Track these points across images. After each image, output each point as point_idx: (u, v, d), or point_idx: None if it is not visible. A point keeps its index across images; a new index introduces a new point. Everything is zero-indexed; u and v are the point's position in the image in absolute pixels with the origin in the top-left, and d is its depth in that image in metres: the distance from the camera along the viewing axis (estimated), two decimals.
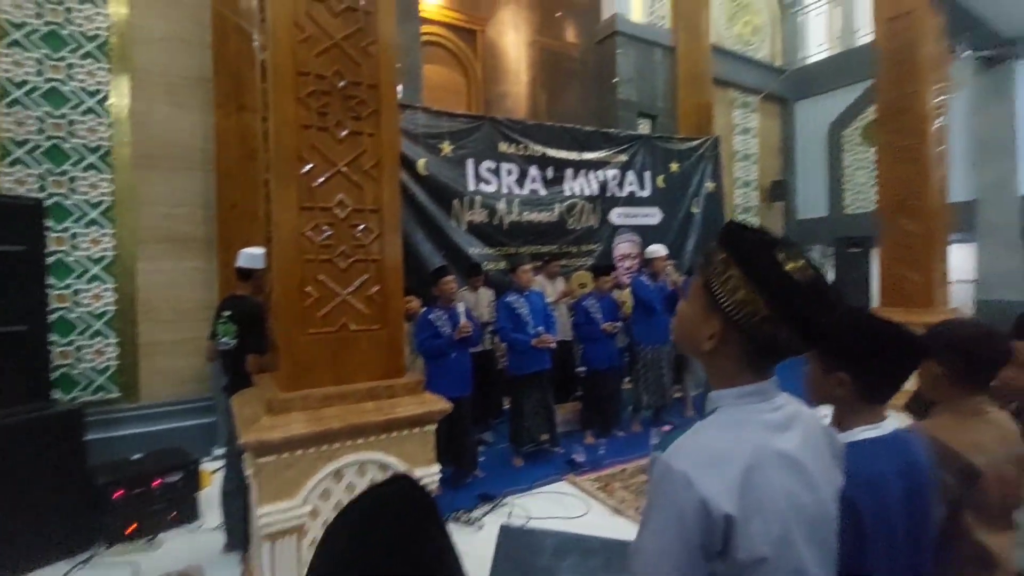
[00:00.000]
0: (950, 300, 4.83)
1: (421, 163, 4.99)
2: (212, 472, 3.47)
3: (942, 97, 4.75)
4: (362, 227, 2.13)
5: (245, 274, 2.80)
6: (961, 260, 6.53)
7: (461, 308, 3.78)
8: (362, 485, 1.99)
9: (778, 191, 8.77)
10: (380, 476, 2.03)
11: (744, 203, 8.64)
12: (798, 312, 0.85)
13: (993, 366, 1.34)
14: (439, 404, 2.11)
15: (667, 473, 0.82)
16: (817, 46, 8.81)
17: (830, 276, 7.94)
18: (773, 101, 9.01)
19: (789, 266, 0.87)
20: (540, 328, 4.08)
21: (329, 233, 2.06)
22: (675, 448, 0.86)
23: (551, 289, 5.34)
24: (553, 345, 4.08)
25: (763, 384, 0.91)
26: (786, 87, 8.93)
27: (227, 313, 2.70)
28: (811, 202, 9.08)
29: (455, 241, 5.20)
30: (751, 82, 8.48)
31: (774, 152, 9.13)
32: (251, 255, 2.81)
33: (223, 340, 2.67)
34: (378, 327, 2.13)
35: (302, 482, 1.87)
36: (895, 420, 1.16)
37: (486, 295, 5.04)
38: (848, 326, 1.12)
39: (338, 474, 1.95)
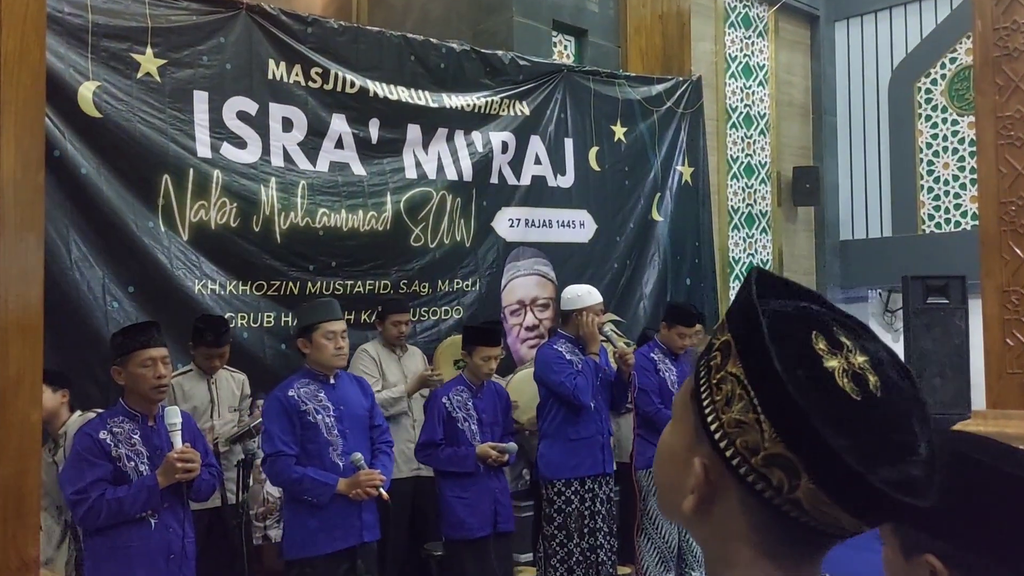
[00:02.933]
0: None
1: (87, 92, 4.86)
2: None
3: None
4: None
5: None
6: None
7: (175, 419, 3.73)
8: None
9: (806, 187, 9.82)
10: None
11: (746, 205, 9.52)
12: (831, 457, 0.87)
13: None
14: None
15: None
16: None
17: (898, 352, 8.95)
18: (797, 18, 10.05)
19: (831, 363, 0.92)
20: (358, 455, 4.14)
21: None
22: None
23: (395, 370, 5.46)
24: (381, 492, 4.14)
25: None
26: None
27: None
28: (862, 211, 10.24)
29: (163, 265, 5.09)
30: None
31: (799, 114, 10.14)
32: None
33: None
34: None
35: None
36: None
37: (231, 384, 4.97)
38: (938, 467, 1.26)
39: None
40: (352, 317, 5.65)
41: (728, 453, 0.92)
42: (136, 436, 3.69)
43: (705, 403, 0.95)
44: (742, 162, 9.41)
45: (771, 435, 0.89)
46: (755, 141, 9.56)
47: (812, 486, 0.88)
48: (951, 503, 1.37)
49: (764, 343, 0.90)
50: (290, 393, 4.17)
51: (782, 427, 0.89)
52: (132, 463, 3.64)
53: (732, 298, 1.11)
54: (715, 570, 1.01)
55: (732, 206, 9.28)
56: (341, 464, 4.14)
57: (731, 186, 9.27)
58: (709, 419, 0.94)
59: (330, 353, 4.21)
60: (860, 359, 0.92)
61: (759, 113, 9.61)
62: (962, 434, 1.48)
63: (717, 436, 0.93)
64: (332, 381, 4.28)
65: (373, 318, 5.69)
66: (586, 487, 5.16)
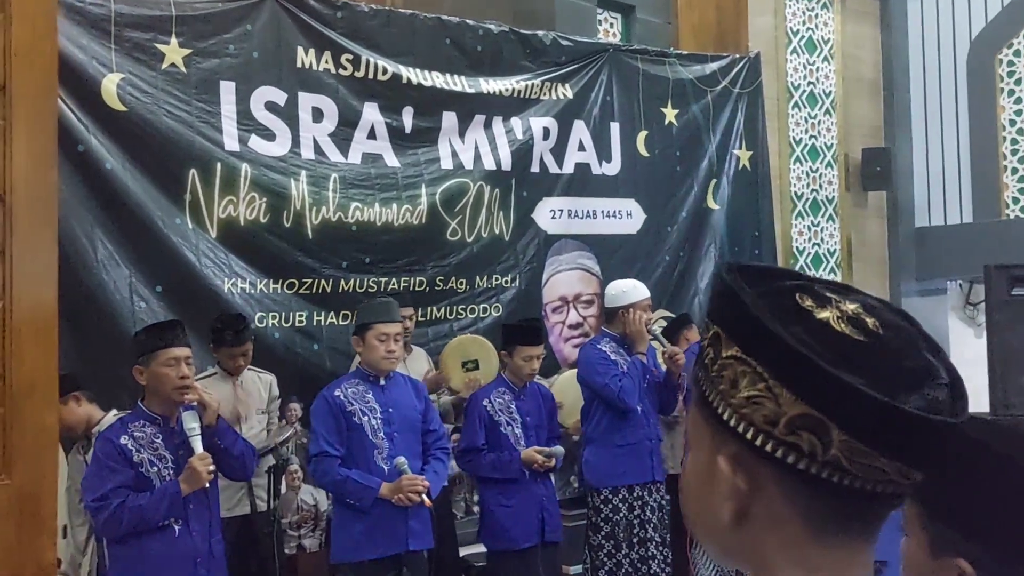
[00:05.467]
0: None
1: (111, 84, 4.97)
2: None
3: None
4: None
5: None
6: None
7: (193, 423, 3.83)
8: None
9: (877, 170, 9.60)
10: None
11: (810, 191, 9.34)
12: (853, 396, 0.91)
13: None
14: None
15: None
16: None
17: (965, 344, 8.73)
18: None
19: (823, 314, 0.96)
20: (401, 459, 4.29)
21: None
22: None
23: (400, 371, 5.41)
24: (424, 499, 4.30)
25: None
26: None
27: None
28: (940, 195, 9.91)
29: (191, 263, 5.22)
30: None
31: (868, 91, 9.88)
32: None
33: None
34: None
35: None
36: None
37: (258, 386, 5.10)
38: (969, 457, 1.22)
39: None
40: None
41: (749, 435, 0.94)
42: (158, 440, 3.79)
43: (711, 399, 0.98)
44: (806, 144, 9.31)
45: (786, 397, 0.92)
46: (820, 121, 9.45)
47: (844, 436, 0.90)
48: (993, 505, 1.36)
49: (751, 313, 0.94)
50: (336, 393, 4.34)
51: (794, 383, 0.91)
52: (155, 468, 3.74)
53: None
54: None
55: (795, 192, 9.18)
56: (386, 468, 4.29)
57: (794, 170, 9.18)
58: (719, 410, 0.96)
59: (380, 355, 4.37)
60: (851, 306, 0.95)
61: (824, 91, 9.49)
62: (1013, 431, 1.49)
63: (732, 422, 0.95)
64: (383, 382, 4.42)
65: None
66: (634, 495, 5.18)
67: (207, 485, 3.75)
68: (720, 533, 1.01)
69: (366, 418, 4.31)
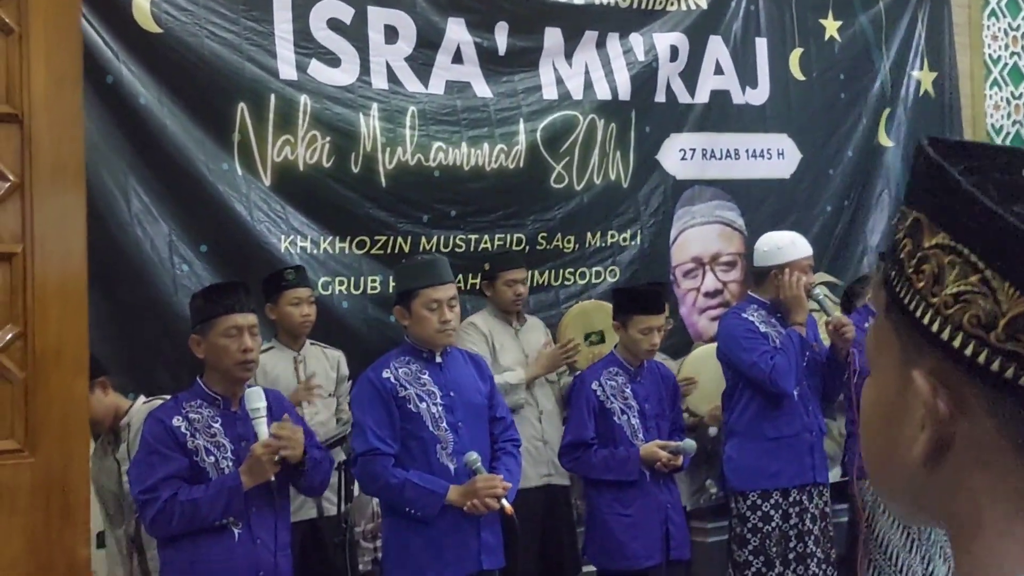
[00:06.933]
0: None
1: (144, 1, 5.04)
2: None
3: None
4: None
5: None
6: None
7: (258, 403, 3.87)
8: None
9: None
10: None
11: (1013, 122, 8.96)
12: None
13: None
14: None
15: None
16: None
17: None
18: None
19: None
20: (474, 455, 4.23)
21: None
22: None
23: (512, 347, 5.54)
24: (504, 504, 4.23)
25: None
26: None
27: None
28: None
29: (241, 217, 5.32)
30: None
31: None
32: None
33: None
34: (16, 449, 2.25)
35: None
36: None
37: (324, 364, 5.17)
38: None
39: None
40: (477, 281, 5.74)
41: (956, 342, 0.92)
42: (216, 425, 3.83)
43: (906, 300, 0.96)
44: (1007, 63, 8.96)
45: (1006, 292, 0.89)
46: None
47: None
48: None
49: (963, 188, 0.92)
50: (385, 375, 4.23)
51: (1018, 274, 0.89)
52: (211, 458, 3.78)
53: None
54: (962, 540, 0.98)
55: (993, 124, 8.85)
56: (452, 467, 4.20)
57: (991, 97, 8.85)
58: (917, 314, 0.95)
59: (432, 328, 4.24)
60: None
61: None
62: None
63: (935, 327, 0.93)
64: (439, 359, 4.33)
65: (480, 280, 5.67)
66: (790, 499, 5.12)
67: (272, 479, 3.75)
68: (909, 477, 0.99)
69: (424, 404, 4.22)
